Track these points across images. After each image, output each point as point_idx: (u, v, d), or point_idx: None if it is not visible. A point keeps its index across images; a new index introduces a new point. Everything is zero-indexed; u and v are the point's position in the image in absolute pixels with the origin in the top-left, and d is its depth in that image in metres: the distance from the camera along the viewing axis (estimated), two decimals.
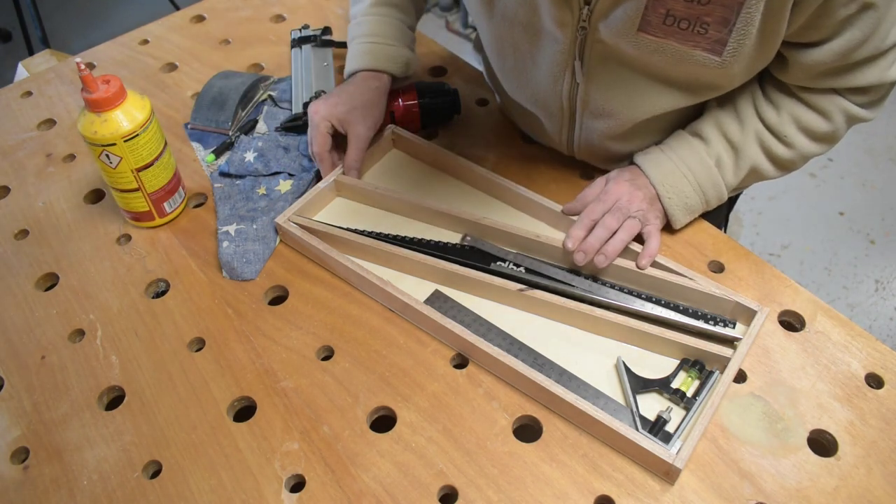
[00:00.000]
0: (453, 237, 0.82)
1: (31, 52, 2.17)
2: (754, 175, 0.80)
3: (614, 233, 0.75)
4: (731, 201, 1.05)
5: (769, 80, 0.77)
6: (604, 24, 0.70)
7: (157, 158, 0.80)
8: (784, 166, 0.79)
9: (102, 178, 0.83)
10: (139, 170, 0.79)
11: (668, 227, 0.82)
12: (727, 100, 0.79)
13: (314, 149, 0.85)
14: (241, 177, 0.89)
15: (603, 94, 0.77)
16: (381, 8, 0.91)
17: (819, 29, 0.66)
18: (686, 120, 0.82)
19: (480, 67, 1.04)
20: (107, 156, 0.77)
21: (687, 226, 0.82)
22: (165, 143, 0.82)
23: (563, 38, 0.74)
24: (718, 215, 0.99)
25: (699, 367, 0.69)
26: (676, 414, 0.66)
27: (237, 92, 0.96)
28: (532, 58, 0.79)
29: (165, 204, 0.84)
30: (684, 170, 0.78)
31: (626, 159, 0.85)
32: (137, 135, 0.77)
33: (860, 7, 0.63)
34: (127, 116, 0.76)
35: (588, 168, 0.89)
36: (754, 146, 0.77)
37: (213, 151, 0.92)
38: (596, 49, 0.73)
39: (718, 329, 0.70)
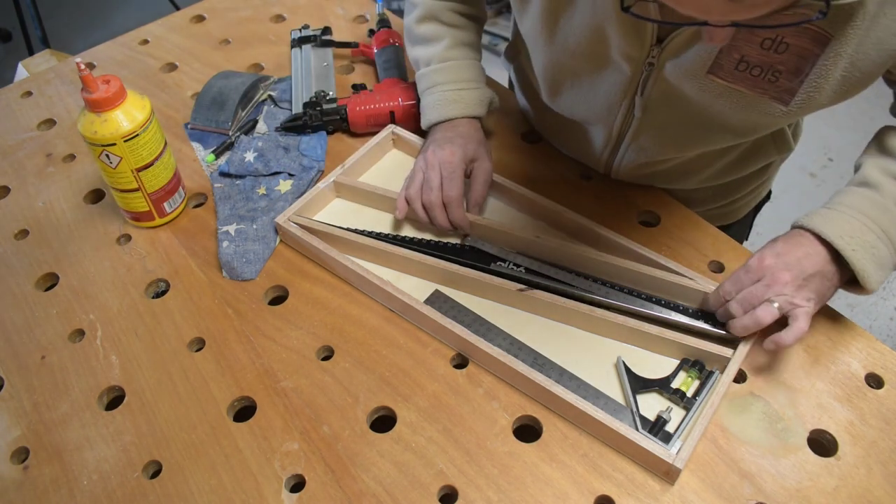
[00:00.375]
0: (453, 237, 0.81)
1: (31, 52, 2.17)
2: None
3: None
4: (755, 213, 1.03)
5: None
6: (672, 63, 0.69)
7: (157, 158, 0.80)
8: None
9: (102, 178, 0.83)
10: (139, 170, 0.79)
11: (670, 230, 0.82)
12: (873, 143, 0.74)
13: (450, 193, 0.79)
14: (241, 177, 0.89)
15: (656, 130, 0.77)
16: (457, 51, 0.87)
17: None
18: (733, 154, 0.81)
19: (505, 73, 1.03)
20: (107, 156, 0.77)
21: (687, 226, 0.82)
22: (165, 143, 0.82)
23: (627, 72, 0.72)
24: (742, 229, 0.97)
25: (699, 367, 0.69)
26: (676, 414, 0.66)
27: (237, 92, 0.96)
28: (591, 85, 0.77)
29: (165, 204, 0.84)
30: (862, 218, 0.67)
31: (666, 182, 0.85)
32: (137, 135, 0.77)
33: None
34: (127, 116, 0.76)
35: (588, 168, 0.89)
36: None
37: (213, 151, 0.92)
38: (658, 86, 0.72)
39: (719, 329, 0.70)
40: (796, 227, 0.70)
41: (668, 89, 0.72)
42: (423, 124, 0.87)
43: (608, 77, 0.75)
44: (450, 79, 0.86)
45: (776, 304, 0.66)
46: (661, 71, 0.71)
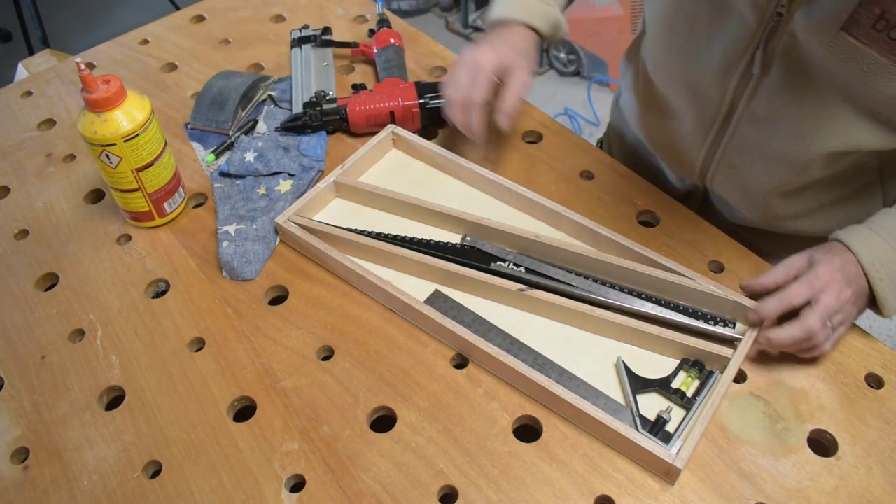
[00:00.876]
0: (453, 237, 0.82)
1: (31, 52, 2.17)
2: None
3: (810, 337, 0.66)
4: None
5: None
6: (803, 14, 0.63)
7: (157, 158, 0.80)
8: None
9: (102, 178, 0.83)
10: (139, 170, 0.79)
11: (670, 230, 0.82)
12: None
13: (475, 96, 0.77)
14: (241, 177, 0.89)
15: (774, 97, 0.70)
16: None
17: None
18: (873, 186, 0.74)
19: None
20: (107, 156, 0.77)
21: (687, 226, 0.82)
22: (165, 143, 0.82)
23: (752, 22, 0.66)
24: None
25: (699, 367, 0.69)
26: (676, 414, 0.66)
27: (237, 92, 0.96)
28: (708, 37, 0.72)
29: (165, 204, 0.84)
30: (894, 243, 0.67)
31: (767, 213, 0.79)
32: (137, 135, 0.77)
33: None
34: (127, 116, 0.76)
35: (587, 170, 0.89)
36: None
37: (213, 151, 0.92)
38: (783, 42, 0.66)
39: (718, 329, 0.70)
40: (834, 240, 0.69)
41: (793, 46, 0.65)
42: (485, 22, 0.84)
43: (730, 28, 0.69)
44: None
45: (831, 322, 0.66)
46: (789, 23, 0.64)
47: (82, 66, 0.72)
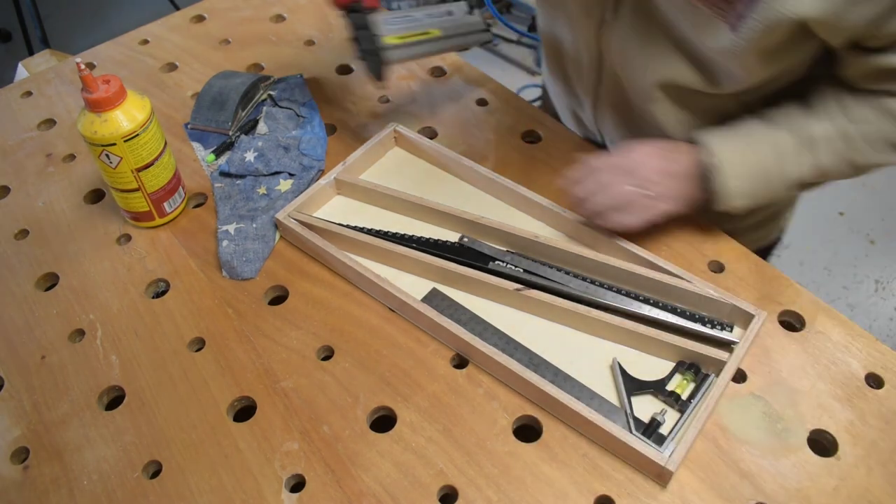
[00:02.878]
0: (453, 236, 0.82)
1: (31, 52, 2.17)
2: (823, 177, 0.73)
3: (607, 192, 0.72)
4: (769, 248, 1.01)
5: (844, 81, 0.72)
6: None
7: (157, 158, 0.80)
8: (858, 171, 0.72)
9: (102, 178, 0.83)
10: (139, 170, 0.79)
11: (670, 229, 0.82)
12: (804, 95, 0.74)
13: None
14: (241, 176, 0.89)
15: (625, 40, 0.75)
16: None
17: (875, 41, 0.63)
18: (716, 117, 0.77)
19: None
20: (107, 156, 0.77)
21: (687, 225, 0.82)
22: (165, 143, 0.82)
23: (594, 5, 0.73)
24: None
25: (695, 370, 0.69)
26: (671, 416, 0.66)
27: (237, 92, 0.96)
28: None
29: (165, 204, 0.84)
30: (750, 153, 0.71)
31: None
32: (137, 135, 0.77)
33: None
34: (127, 116, 0.76)
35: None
36: (831, 147, 0.70)
37: (213, 151, 0.92)
38: (630, 9, 0.72)
39: (715, 332, 0.70)
40: (697, 139, 0.73)
41: (636, 15, 0.72)
42: None
43: (577, 11, 0.77)
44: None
45: (638, 189, 0.71)
46: None
47: (82, 66, 0.72)
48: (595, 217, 0.75)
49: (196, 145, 0.95)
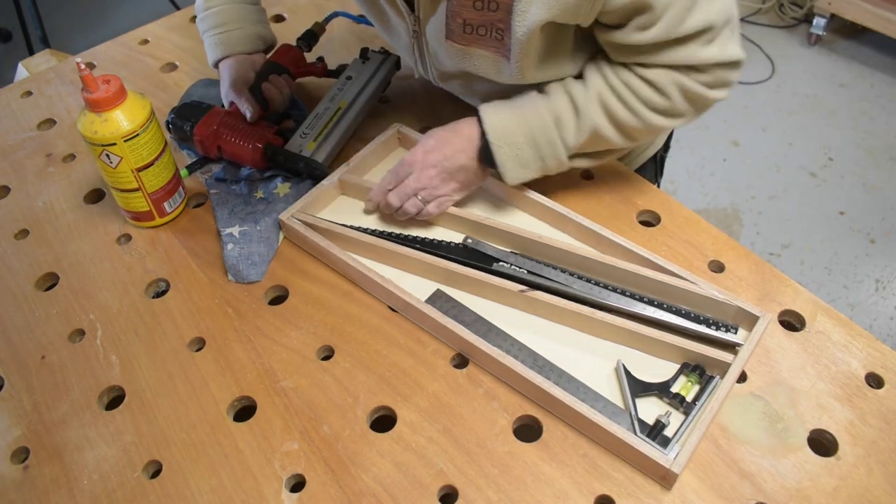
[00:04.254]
0: (456, 237, 0.82)
1: (31, 52, 2.17)
2: (597, 139, 0.77)
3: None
4: (658, 166, 1.04)
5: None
6: (428, 31, 0.77)
7: (157, 158, 0.80)
8: (628, 134, 0.77)
9: (102, 178, 0.83)
10: (139, 170, 0.79)
11: (670, 230, 0.82)
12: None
13: (235, 91, 0.88)
14: (236, 182, 0.89)
15: (447, 73, 0.85)
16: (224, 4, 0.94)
17: (608, 21, 0.70)
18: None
19: None
20: (107, 156, 0.77)
21: (687, 226, 0.82)
22: (165, 143, 0.82)
23: (405, 36, 0.82)
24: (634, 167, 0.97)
25: (699, 371, 0.69)
26: (675, 418, 0.66)
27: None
28: (387, 31, 0.86)
29: (165, 204, 0.84)
30: (520, 122, 0.76)
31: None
32: (137, 134, 0.77)
33: (634, 4, 0.66)
34: (127, 116, 0.76)
35: (587, 170, 0.89)
36: (596, 106, 0.75)
37: (187, 167, 0.88)
38: (427, 47, 0.81)
39: (720, 334, 0.70)
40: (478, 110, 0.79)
41: (433, 53, 0.81)
42: (210, 63, 0.94)
43: (398, 33, 0.84)
44: (211, 25, 0.93)
45: (419, 197, 0.79)
46: (424, 37, 0.79)
47: (82, 66, 0.72)
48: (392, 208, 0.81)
49: (188, 152, 0.93)
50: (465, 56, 0.75)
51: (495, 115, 0.77)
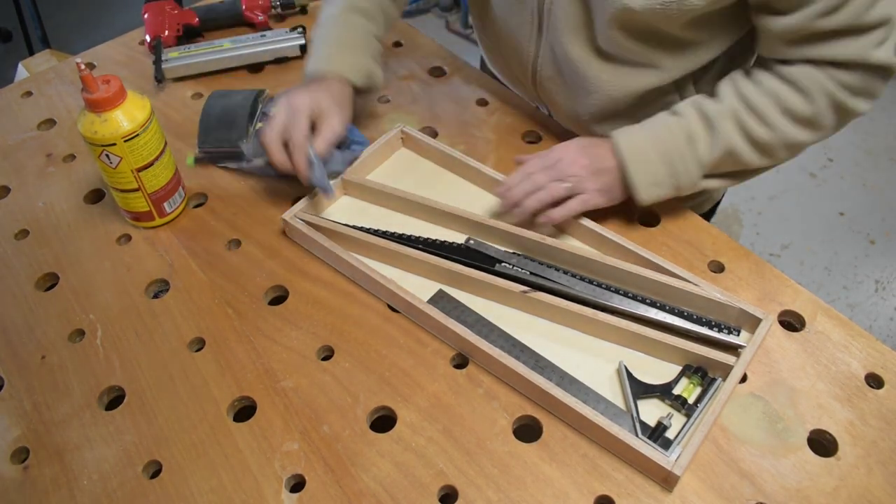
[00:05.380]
0: (459, 237, 0.82)
1: (31, 52, 2.17)
2: (732, 158, 0.75)
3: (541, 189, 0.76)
4: (716, 203, 1.03)
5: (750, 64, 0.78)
6: None
7: (157, 158, 0.80)
8: (765, 151, 0.75)
9: (102, 178, 0.83)
10: (139, 170, 0.79)
11: (670, 230, 0.82)
12: (697, 79, 0.80)
13: (295, 135, 0.78)
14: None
15: (564, 8, 0.77)
16: (351, 15, 0.89)
17: None
18: (659, 96, 0.82)
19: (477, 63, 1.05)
20: (107, 156, 0.77)
21: (687, 226, 0.82)
22: (165, 143, 0.82)
23: None
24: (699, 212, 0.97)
25: (702, 373, 0.68)
26: (677, 420, 0.66)
27: (244, 108, 0.93)
28: None
29: (165, 204, 0.84)
30: (651, 138, 0.76)
31: (585, 114, 0.86)
32: (137, 135, 0.77)
33: None
34: (127, 116, 0.76)
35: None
36: (730, 123, 0.73)
37: (194, 157, 0.91)
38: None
39: (723, 336, 0.70)
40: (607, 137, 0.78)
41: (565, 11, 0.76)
42: (306, 74, 0.87)
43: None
44: (332, 35, 0.87)
45: (568, 185, 0.75)
46: None
47: (82, 66, 0.72)
48: (532, 215, 0.77)
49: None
50: None
51: (627, 136, 0.77)
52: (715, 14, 0.70)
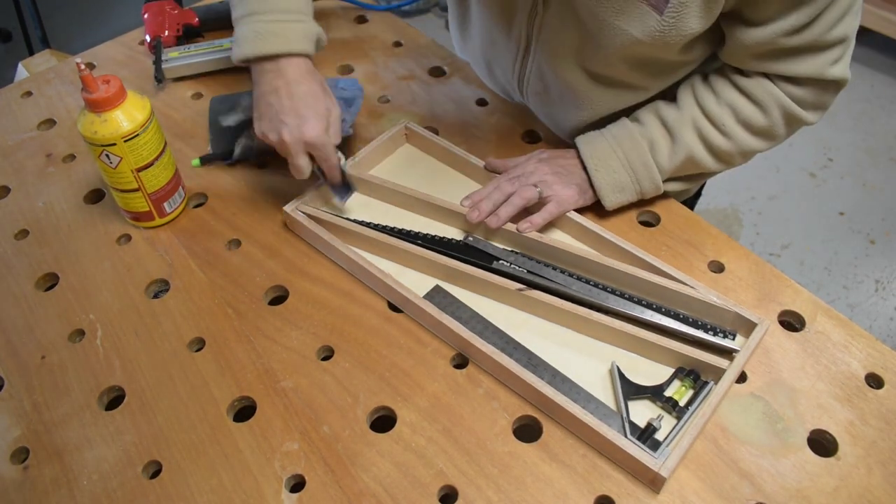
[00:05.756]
0: (458, 234, 0.82)
1: (31, 52, 2.17)
2: (692, 164, 0.79)
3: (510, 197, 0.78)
4: (693, 200, 1.04)
5: (710, 68, 0.80)
6: None
7: (157, 158, 0.80)
8: (722, 158, 0.78)
9: (102, 178, 0.83)
10: (139, 170, 0.79)
11: (670, 230, 0.82)
12: (670, 91, 0.81)
13: (327, 156, 0.75)
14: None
15: (557, 33, 0.79)
16: None
17: (762, 6, 0.66)
18: (637, 108, 0.83)
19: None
20: (107, 156, 0.77)
21: (687, 226, 0.82)
22: (165, 144, 0.82)
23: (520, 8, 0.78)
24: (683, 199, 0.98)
25: (694, 376, 0.68)
26: (667, 423, 0.66)
27: (246, 111, 0.94)
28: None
29: (165, 204, 0.84)
30: (614, 146, 0.78)
31: (570, 127, 0.88)
32: (137, 135, 0.77)
33: None
34: (127, 116, 0.76)
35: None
36: (690, 132, 0.77)
37: (200, 158, 0.91)
38: (548, 17, 0.77)
39: (717, 339, 0.70)
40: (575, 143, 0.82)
41: (554, 27, 0.77)
42: (236, 57, 0.76)
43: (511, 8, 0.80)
44: (268, 8, 0.75)
45: (538, 188, 0.77)
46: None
47: (82, 67, 0.72)
48: (503, 221, 0.77)
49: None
50: (602, 5, 0.69)
51: (590, 144, 0.80)
52: (705, 33, 0.71)
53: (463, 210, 0.80)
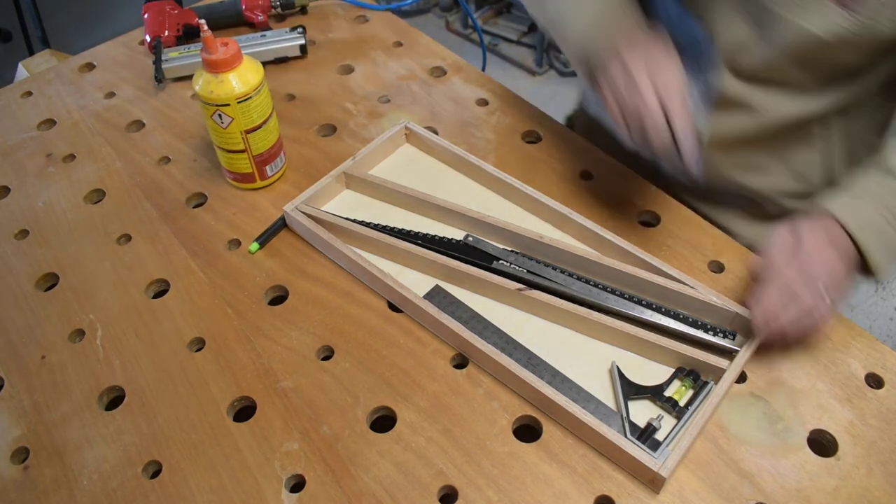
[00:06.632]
0: (458, 234, 0.82)
1: (31, 52, 2.17)
2: None
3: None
4: None
5: None
6: None
7: (264, 122, 0.83)
8: None
9: (210, 137, 0.85)
10: (248, 132, 0.82)
11: (670, 230, 0.82)
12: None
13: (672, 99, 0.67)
14: None
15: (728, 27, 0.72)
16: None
17: None
18: (798, 126, 0.78)
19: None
20: (219, 115, 0.80)
21: (687, 226, 0.82)
22: (273, 109, 0.84)
23: None
24: None
25: (694, 376, 0.68)
26: (667, 422, 0.66)
27: None
28: None
29: (268, 167, 0.87)
30: (881, 209, 0.67)
31: (708, 167, 0.79)
32: (250, 97, 0.79)
33: None
34: (241, 79, 0.78)
35: (587, 170, 0.89)
36: None
37: (257, 240, 0.82)
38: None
39: (717, 340, 0.70)
40: (821, 211, 0.68)
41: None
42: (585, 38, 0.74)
43: None
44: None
45: (823, 287, 0.64)
46: None
47: (205, 28, 0.75)
48: (783, 334, 0.66)
49: None
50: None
51: (851, 211, 0.67)
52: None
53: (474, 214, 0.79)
